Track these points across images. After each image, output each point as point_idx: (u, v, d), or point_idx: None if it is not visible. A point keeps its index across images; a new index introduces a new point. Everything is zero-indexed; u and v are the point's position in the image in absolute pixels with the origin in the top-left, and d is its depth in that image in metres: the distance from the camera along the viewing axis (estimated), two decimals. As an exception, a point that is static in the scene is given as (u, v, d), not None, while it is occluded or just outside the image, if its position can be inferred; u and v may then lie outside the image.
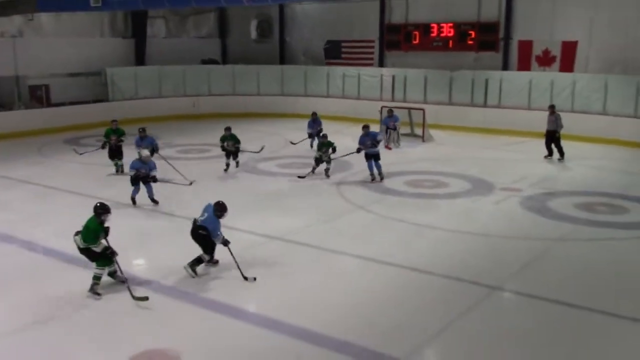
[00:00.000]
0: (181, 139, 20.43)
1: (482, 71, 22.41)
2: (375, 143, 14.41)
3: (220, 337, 7.26)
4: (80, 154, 16.45)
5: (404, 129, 20.18)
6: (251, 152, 16.13)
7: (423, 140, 19.92)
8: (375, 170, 14.51)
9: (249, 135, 20.28)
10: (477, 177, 14.98)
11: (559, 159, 16.83)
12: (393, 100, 23.43)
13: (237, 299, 8.30)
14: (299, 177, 14.70)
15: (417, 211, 12.33)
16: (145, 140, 14.77)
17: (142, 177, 12.29)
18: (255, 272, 9.20)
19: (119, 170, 15.38)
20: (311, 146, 17.87)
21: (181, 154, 18.15)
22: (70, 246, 9.46)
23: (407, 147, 19.16)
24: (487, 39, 22.68)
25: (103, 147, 15.73)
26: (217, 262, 9.27)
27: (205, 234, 8.88)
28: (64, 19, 24.10)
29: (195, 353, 6.88)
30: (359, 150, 14.58)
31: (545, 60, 21.67)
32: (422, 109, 20.36)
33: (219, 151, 17.05)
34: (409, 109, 20.69)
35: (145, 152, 12.50)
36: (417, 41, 24.05)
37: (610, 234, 10.90)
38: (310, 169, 14.82)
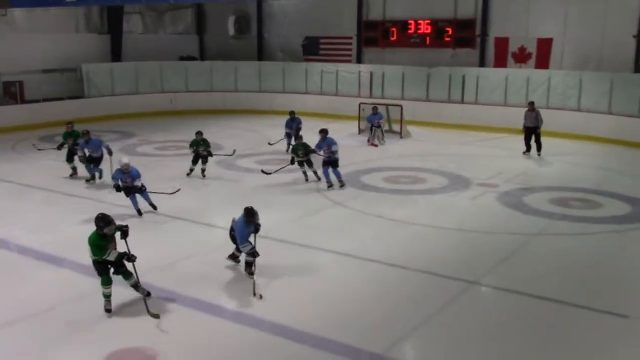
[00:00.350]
0: (158, 135, 20.29)
1: (459, 68, 22.57)
2: (332, 153, 13.52)
3: (197, 335, 7.23)
4: (39, 149, 16.18)
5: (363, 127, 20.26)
6: (224, 155, 15.50)
7: (401, 137, 20.01)
8: (332, 177, 13.74)
9: (227, 133, 20.29)
10: (454, 173, 15.09)
11: (538, 154, 17.01)
12: (371, 96, 23.51)
13: (214, 296, 8.27)
14: (263, 172, 14.26)
15: (395, 207, 12.39)
16: (91, 143, 14.04)
17: (128, 187, 11.52)
18: (232, 269, 9.20)
19: (75, 173, 14.70)
20: (288, 146, 17.21)
21: (159, 150, 18.03)
22: (45, 244, 9.39)
23: (385, 144, 19.22)
24: (464, 36, 22.85)
25: (59, 148, 15.13)
26: (252, 272, 8.57)
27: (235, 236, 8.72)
28: (38, 15, 23.76)
29: (172, 351, 6.84)
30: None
31: (521, 56, 21.88)
32: (400, 105, 20.44)
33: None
34: (387, 105, 20.76)
35: (125, 160, 11.60)
36: (394, 38, 24.14)
37: (585, 228, 11.05)
38: (279, 167, 14.40)
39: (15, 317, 7.63)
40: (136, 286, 7.87)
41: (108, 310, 7.65)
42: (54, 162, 16.07)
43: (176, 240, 10.38)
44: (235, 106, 25.34)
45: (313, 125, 17.29)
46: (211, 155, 14.42)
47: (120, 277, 7.82)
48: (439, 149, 18.64)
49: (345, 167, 15.54)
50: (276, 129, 18.97)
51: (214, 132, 20.60)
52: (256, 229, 8.57)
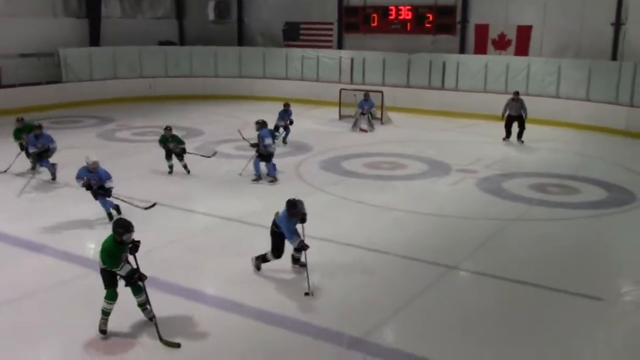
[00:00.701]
0: (138, 121, 20.13)
1: (439, 54, 22.63)
2: (264, 147, 12.84)
3: (177, 320, 7.22)
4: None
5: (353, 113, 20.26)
6: (202, 156, 14.33)
7: (381, 123, 20.05)
8: (263, 170, 13.17)
9: (207, 118, 20.19)
10: (434, 159, 15.18)
11: (519, 140, 17.12)
12: (352, 82, 23.51)
13: (195, 281, 8.27)
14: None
15: (376, 192, 12.44)
16: (42, 138, 12.96)
17: (95, 188, 10.32)
18: (214, 254, 9.20)
19: (36, 167, 13.43)
20: (284, 141, 16.58)
21: (138, 136, 17.89)
22: (24, 230, 9.30)
23: (374, 130, 19.23)
24: (445, 22, 22.89)
25: (22, 148, 13.78)
26: (304, 264, 8.17)
27: (278, 232, 8.15)
28: (15, -2, 23.39)
29: (151, 336, 6.83)
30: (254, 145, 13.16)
31: (501, 44, 21.99)
32: (381, 92, 20.47)
33: (178, 133, 16.88)
34: (367, 91, 20.77)
35: (93, 158, 10.30)
36: (375, 24, 24.12)
37: (563, 213, 11.20)
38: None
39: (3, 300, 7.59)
40: (144, 306, 7.03)
41: (103, 332, 6.79)
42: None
43: (155, 227, 10.34)
44: (215, 92, 25.20)
45: (294, 111, 17.26)
46: (185, 152, 13.36)
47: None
48: (419, 135, 18.72)
49: (325, 152, 15.64)
50: (256, 114, 18.77)
51: (193, 118, 20.61)
52: (302, 219, 8.13)
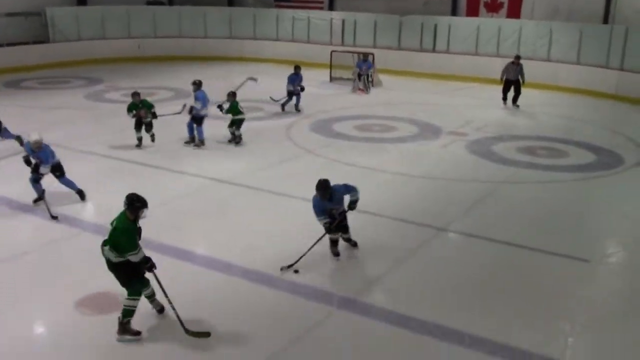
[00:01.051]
0: (126, 82, 19.91)
1: (431, 16, 22.44)
2: (195, 109, 12.58)
3: (168, 279, 7.26)
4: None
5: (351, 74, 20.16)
6: (172, 114, 13.84)
7: (372, 85, 19.97)
8: (195, 134, 12.82)
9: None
10: (424, 122, 15.19)
11: (514, 104, 17.08)
12: (343, 44, 23.31)
13: (185, 242, 8.30)
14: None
15: (366, 155, 12.47)
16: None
17: (33, 167, 9.26)
18: (204, 215, 9.24)
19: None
20: (297, 109, 15.95)
21: (127, 97, 17.68)
22: (15, 192, 9.27)
23: (352, 93, 19.17)
24: (437, -16, 22.65)
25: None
26: (355, 243, 8.04)
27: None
28: (0, -45, 22.89)
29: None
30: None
31: (493, 6, 21.84)
32: (372, 54, 20.33)
33: (166, 94, 16.81)
34: (359, 53, 20.64)
35: (35, 137, 9.08)
36: (367, -15, 23.82)
37: (551, 176, 11.29)
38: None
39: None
40: (152, 298, 6.48)
41: (137, 333, 6.10)
42: (21, 109, 15.80)
43: (143, 188, 10.30)
44: (204, 53, 24.93)
45: (284, 72, 17.11)
46: (155, 117, 12.50)
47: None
48: (410, 97, 18.68)
49: (316, 115, 15.60)
50: (245, 75, 18.66)
51: (184, 79, 20.40)
52: (350, 206, 7.63)
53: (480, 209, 9.75)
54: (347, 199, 7.68)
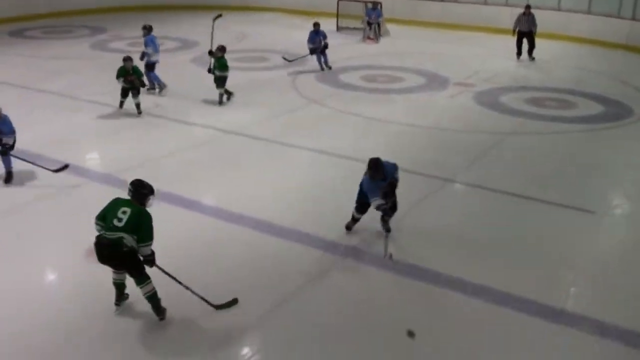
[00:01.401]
0: (131, 31, 19.66)
1: (439, -36, 21.97)
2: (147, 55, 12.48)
3: (176, 228, 7.35)
4: None
5: (360, 24, 19.89)
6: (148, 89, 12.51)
7: (380, 35, 19.70)
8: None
9: (196, 30, 19.73)
10: (431, 72, 15.05)
11: (529, 57, 16.75)
12: (350, -8, 22.89)
13: (193, 192, 8.35)
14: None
15: (373, 105, 12.40)
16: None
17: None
18: (212, 166, 9.27)
19: None
20: (322, 67, 15.01)
21: (132, 47, 17.56)
22: (23, 141, 9.25)
23: (362, 42, 18.97)
24: None
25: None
26: (389, 229, 6.95)
27: (361, 189, 7.13)
28: None
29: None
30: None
31: (503, -47, 21.32)
32: (380, 2, 20.00)
33: (172, 44, 16.65)
34: (367, 2, 20.29)
35: None
36: None
37: (558, 127, 11.23)
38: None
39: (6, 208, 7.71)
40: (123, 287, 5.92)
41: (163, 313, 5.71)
42: (24, 58, 15.71)
43: (152, 139, 10.36)
44: (204, 2, 24.51)
45: (290, 22, 16.90)
46: (144, 86, 11.77)
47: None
48: (417, 47, 18.46)
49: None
50: (249, 25, 18.52)
51: (185, 29, 20.21)
52: (391, 183, 6.92)
53: (487, 160, 9.74)
54: None
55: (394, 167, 7.00)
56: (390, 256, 6.52)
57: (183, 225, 7.45)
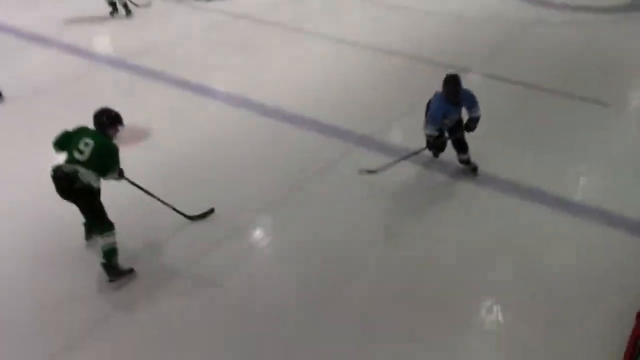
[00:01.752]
0: None
1: None
2: None
3: (191, 114, 7.38)
4: None
5: None
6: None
7: None
8: None
9: None
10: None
11: None
12: None
13: (208, 79, 8.31)
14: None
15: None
16: None
17: None
18: (225, 52, 9.15)
19: None
20: None
21: None
22: (28, 23, 9.14)
23: None
24: None
25: None
26: (475, 168, 6.28)
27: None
28: None
29: (165, 128, 7.04)
30: None
31: None
32: None
33: None
34: None
35: None
36: None
37: (583, 17, 10.85)
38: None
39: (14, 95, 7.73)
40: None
41: (125, 272, 4.96)
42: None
43: (159, 22, 10.18)
44: None
45: None
46: None
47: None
48: None
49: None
50: None
51: None
52: (468, 125, 5.93)
53: (507, 50, 9.51)
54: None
55: (473, 99, 5.89)
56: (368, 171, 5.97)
57: (195, 111, 7.48)
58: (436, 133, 5.88)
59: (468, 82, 8.47)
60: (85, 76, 8.31)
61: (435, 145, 6.02)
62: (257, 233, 5.57)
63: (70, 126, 4.83)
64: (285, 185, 6.08)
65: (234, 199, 5.83)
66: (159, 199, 5.40)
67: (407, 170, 6.32)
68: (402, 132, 7.31)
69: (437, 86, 8.14)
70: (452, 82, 5.72)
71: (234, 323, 4.51)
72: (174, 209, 5.46)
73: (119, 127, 4.93)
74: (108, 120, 4.87)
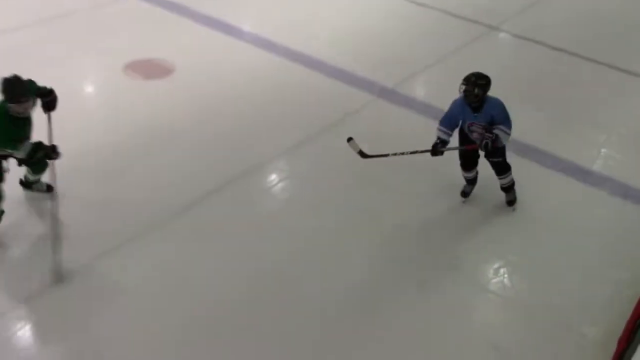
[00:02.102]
0: None
1: None
2: None
3: (216, 52, 7.33)
4: None
5: None
6: None
7: None
8: None
9: None
10: None
11: None
12: None
13: (235, 18, 8.21)
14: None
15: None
16: None
17: None
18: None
19: None
20: None
21: None
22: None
23: None
24: None
25: None
26: (512, 201, 5.33)
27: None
28: None
29: (190, 66, 7.00)
30: None
31: None
32: None
33: None
34: None
35: None
36: None
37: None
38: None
39: (35, 20, 7.69)
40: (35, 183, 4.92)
41: (45, 189, 4.82)
42: None
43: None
44: None
45: None
46: None
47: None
48: None
49: None
50: None
51: None
52: (493, 136, 4.78)
53: (537, 11, 9.27)
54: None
55: (502, 112, 4.77)
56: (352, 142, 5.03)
57: (220, 49, 7.43)
58: (445, 137, 4.87)
59: (493, 41, 8.40)
60: (108, 6, 8.23)
61: (435, 152, 4.84)
62: (273, 177, 5.61)
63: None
64: (297, 132, 6.06)
65: (251, 140, 5.85)
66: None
67: (424, 121, 6.27)
68: (425, 86, 7.23)
69: (461, 42, 8.03)
70: (478, 79, 4.71)
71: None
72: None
73: (23, 101, 4.07)
74: (15, 87, 4.07)
